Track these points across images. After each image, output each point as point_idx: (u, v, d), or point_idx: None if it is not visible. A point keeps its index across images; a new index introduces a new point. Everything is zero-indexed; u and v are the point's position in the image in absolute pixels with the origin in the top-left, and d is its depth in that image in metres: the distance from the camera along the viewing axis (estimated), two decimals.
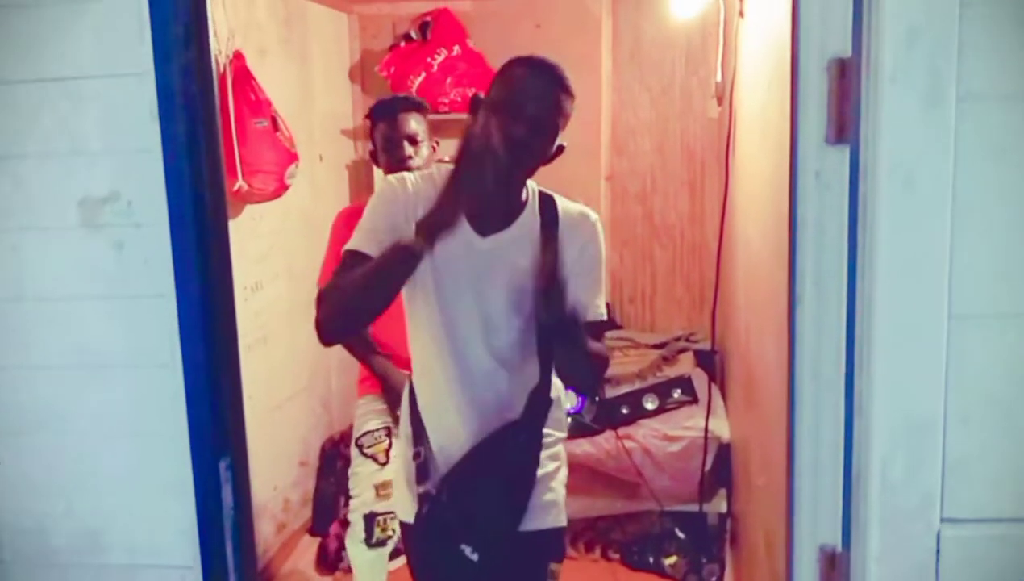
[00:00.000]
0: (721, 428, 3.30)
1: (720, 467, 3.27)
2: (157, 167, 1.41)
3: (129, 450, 1.52)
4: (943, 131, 1.20)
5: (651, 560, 3.32)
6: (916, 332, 1.21)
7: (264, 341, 2.92)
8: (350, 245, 1.66)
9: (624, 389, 3.48)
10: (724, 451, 3.28)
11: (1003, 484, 1.23)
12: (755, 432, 2.56)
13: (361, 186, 4.12)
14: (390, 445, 2.61)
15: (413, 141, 2.56)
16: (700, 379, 3.59)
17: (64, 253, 1.47)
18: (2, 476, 1.56)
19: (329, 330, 1.65)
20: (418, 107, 2.65)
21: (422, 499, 1.78)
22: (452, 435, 1.77)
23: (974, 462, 1.23)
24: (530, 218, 1.74)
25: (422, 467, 1.79)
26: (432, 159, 2.62)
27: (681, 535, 3.30)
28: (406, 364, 1.90)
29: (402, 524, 1.88)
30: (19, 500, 1.56)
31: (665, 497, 3.31)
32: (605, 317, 1.80)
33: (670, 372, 3.66)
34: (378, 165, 2.67)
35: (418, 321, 1.77)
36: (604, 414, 3.33)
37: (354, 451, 2.65)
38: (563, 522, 1.84)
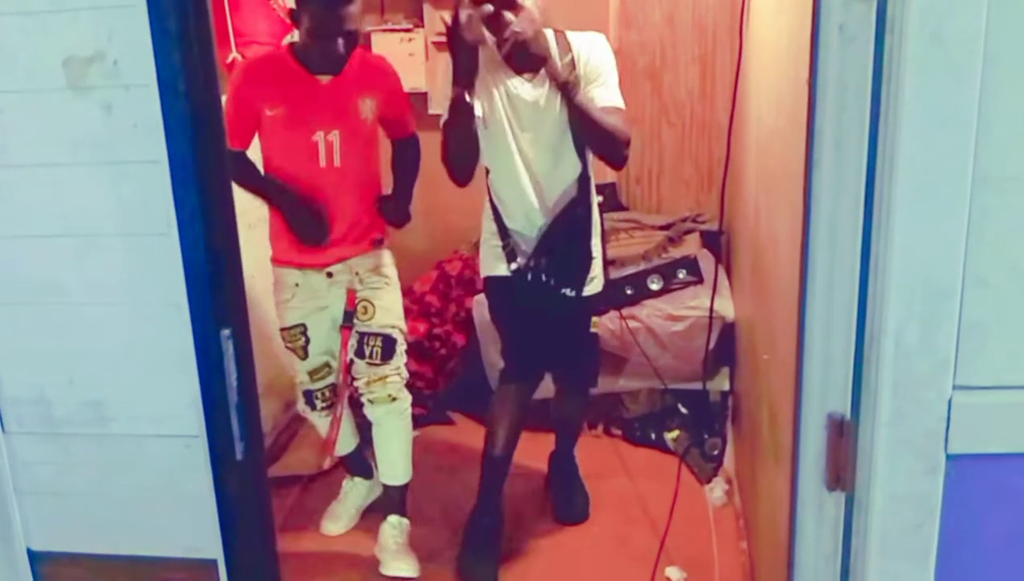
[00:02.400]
0: (726, 308, 3.29)
1: (723, 346, 3.28)
2: (143, 25, 1.34)
3: (129, 320, 1.50)
4: None
5: (653, 436, 3.37)
6: (938, 194, 1.16)
7: (265, 220, 2.86)
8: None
9: (629, 270, 3.45)
10: (728, 330, 3.28)
11: (1018, 351, 1.21)
12: (761, 310, 2.54)
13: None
14: (307, 342, 2.72)
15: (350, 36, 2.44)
16: (706, 260, 3.56)
17: (51, 117, 1.41)
18: (1, 348, 1.54)
19: (453, 177, 2.46)
20: None
21: (518, 272, 2.59)
22: (529, 221, 2.56)
23: (990, 328, 1.20)
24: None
25: (510, 253, 2.60)
26: (361, 26, 2.52)
27: (684, 410, 3.34)
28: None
29: (496, 281, 2.67)
30: (20, 372, 1.56)
31: (668, 375, 3.34)
32: (621, 105, 2.48)
33: (676, 253, 3.63)
34: (296, 26, 2.50)
35: (494, 143, 2.48)
36: (609, 294, 3.32)
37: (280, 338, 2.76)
38: (600, 289, 2.70)
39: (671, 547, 2.65)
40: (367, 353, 2.71)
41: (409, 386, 2.79)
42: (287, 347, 2.75)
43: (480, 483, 2.75)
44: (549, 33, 2.46)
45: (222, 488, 1.51)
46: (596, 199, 2.67)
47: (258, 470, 1.56)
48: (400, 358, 2.76)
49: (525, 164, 2.52)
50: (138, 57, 1.35)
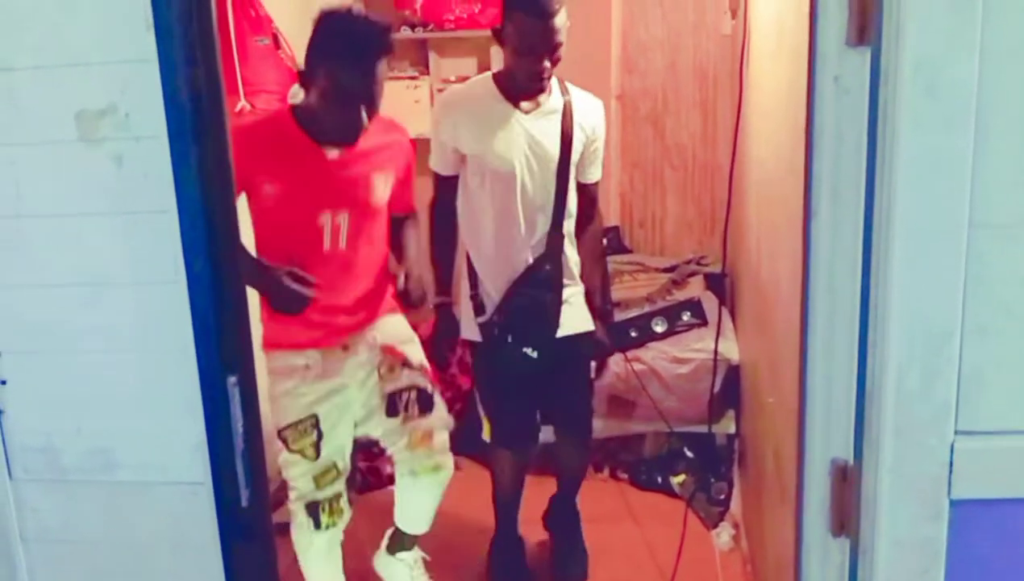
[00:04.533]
0: (730, 350, 3.30)
1: (729, 389, 3.27)
2: (154, 78, 1.37)
3: (137, 368, 1.51)
4: (968, 33, 1.14)
5: (659, 480, 3.36)
6: (935, 242, 1.18)
7: None
8: (437, 169, 2.57)
9: (633, 312, 3.47)
10: (733, 373, 3.28)
11: (1019, 395, 1.22)
12: (765, 352, 2.55)
13: None
14: (319, 437, 2.29)
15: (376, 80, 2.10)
16: (710, 302, 3.58)
17: (62, 168, 1.44)
18: (10, 396, 1.56)
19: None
20: (390, 50, 2.17)
21: (484, 327, 2.55)
22: (500, 275, 2.52)
23: (990, 373, 1.21)
24: (555, 99, 2.49)
25: (479, 305, 2.56)
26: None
27: (690, 454, 3.33)
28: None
29: (472, 343, 2.62)
30: (28, 419, 1.56)
31: (674, 418, 3.33)
32: (599, 178, 2.65)
33: (680, 295, 3.65)
34: (304, 87, 2.16)
35: (471, 195, 2.51)
36: (613, 337, 3.33)
37: (278, 441, 2.29)
38: (590, 327, 2.63)
39: None
40: (401, 407, 2.39)
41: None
42: (290, 451, 2.29)
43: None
44: (553, 82, 2.48)
45: (227, 535, 1.51)
46: (573, 252, 2.60)
47: (263, 517, 1.56)
48: (441, 408, 2.47)
49: (517, 209, 2.47)
50: (149, 109, 1.38)
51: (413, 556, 2.69)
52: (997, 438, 1.22)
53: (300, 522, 2.36)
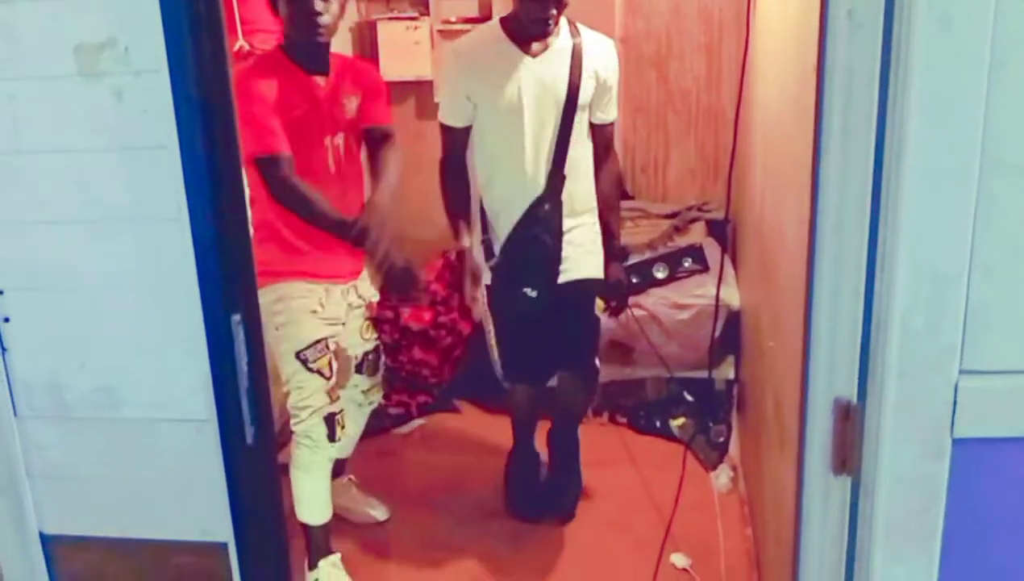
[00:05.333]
0: (731, 296, 3.30)
1: (729, 335, 3.28)
2: (154, 11, 1.34)
3: (141, 306, 1.51)
4: None
5: (658, 424, 3.38)
6: (946, 181, 1.16)
7: None
8: (449, 121, 2.58)
9: (635, 259, 3.46)
10: (733, 318, 3.29)
11: (1022, 335, 1.21)
12: (767, 299, 2.55)
13: (364, 46, 4.00)
14: (332, 357, 2.47)
15: None
16: (712, 248, 3.57)
17: (62, 103, 1.42)
18: (13, 333, 1.56)
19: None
20: None
21: (492, 269, 2.63)
22: (508, 217, 2.58)
23: (996, 313, 1.20)
24: (564, 40, 2.50)
25: (488, 248, 2.64)
26: (341, 17, 2.42)
27: (689, 398, 3.36)
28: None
29: (487, 287, 2.68)
30: (32, 357, 1.57)
31: (674, 363, 3.35)
32: (615, 118, 2.66)
33: (681, 242, 3.64)
34: (275, 10, 2.36)
35: (482, 139, 2.57)
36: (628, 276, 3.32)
37: (293, 363, 2.42)
38: (595, 274, 2.66)
39: (676, 534, 2.67)
40: (364, 368, 2.70)
41: (415, 374, 2.81)
42: (309, 370, 2.43)
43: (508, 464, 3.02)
44: (563, 23, 2.50)
45: (232, 472, 1.52)
46: (577, 186, 2.61)
47: (268, 455, 1.57)
48: (383, 360, 2.80)
49: (525, 151, 2.52)
50: (149, 44, 1.36)
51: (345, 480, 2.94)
52: (1001, 377, 1.22)
53: (314, 438, 2.48)
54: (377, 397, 2.82)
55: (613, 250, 2.72)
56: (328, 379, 2.46)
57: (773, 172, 2.45)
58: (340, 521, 2.74)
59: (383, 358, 2.81)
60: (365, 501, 2.94)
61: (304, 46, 2.38)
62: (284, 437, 3.23)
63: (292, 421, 2.50)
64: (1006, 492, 1.26)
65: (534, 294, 2.59)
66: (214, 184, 1.40)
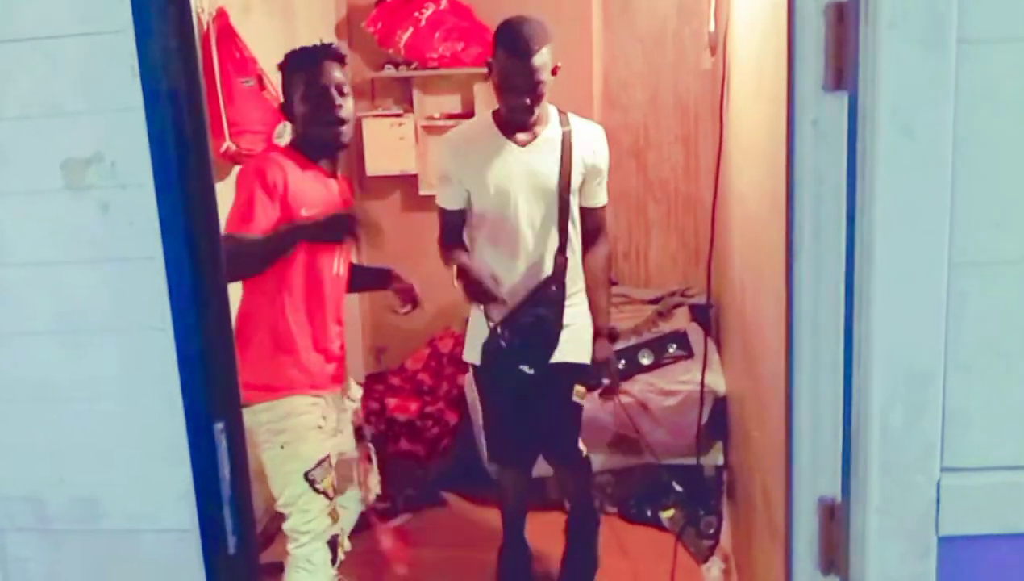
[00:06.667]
0: (717, 382, 3.31)
1: (716, 420, 3.28)
2: (140, 126, 1.37)
3: (122, 416, 1.50)
4: (943, 76, 1.17)
5: (648, 513, 3.35)
6: (916, 281, 1.19)
7: None
8: (444, 204, 2.65)
9: (620, 345, 3.47)
10: (720, 404, 3.29)
11: (1004, 432, 1.23)
12: (751, 385, 2.56)
13: (352, 144, 4.06)
14: (334, 476, 2.40)
15: (340, 91, 2.33)
16: (696, 333, 3.59)
17: (48, 216, 1.43)
18: None
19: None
20: (342, 58, 2.41)
21: (485, 346, 2.63)
22: (509, 297, 2.55)
23: (974, 410, 1.22)
24: (553, 129, 2.57)
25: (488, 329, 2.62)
26: (355, 113, 2.44)
27: (678, 488, 3.32)
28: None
29: (474, 366, 2.75)
30: (12, 469, 1.55)
31: (662, 451, 3.33)
32: (605, 202, 2.70)
33: (665, 327, 3.66)
34: (291, 120, 2.40)
35: (476, 227, 2.60)
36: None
37: (301, 484, 2.32)
38: (580, 359, 2.65)
39: None
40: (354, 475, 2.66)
41: (402, 465, 2.78)
42: (316, 491, 2.33)
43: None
44: (552, 109, 2.59)
45: None
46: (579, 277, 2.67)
47: (250, 564, 1.54)
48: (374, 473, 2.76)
49: (521, 235, 2.57)
50: (135, 157, 1.38)
51: None
52: (983, 474, 1.23)
53: (315, 562, 2.36)
54: (376, 490, 2.76)
55: (602, 330, 2.71)
56: (331, 500, 2.37)
57: (751, 263, 2.49)
58: None
59: (374, 452, 2.76)
60: None
61: (323, 146, 2.37)
62: (267, 535, 3.18)
63: (291, 544, 2.39)
64: None
65: (531, 371, 2.61)
66: (198, 293, 1.41)
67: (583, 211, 2.66)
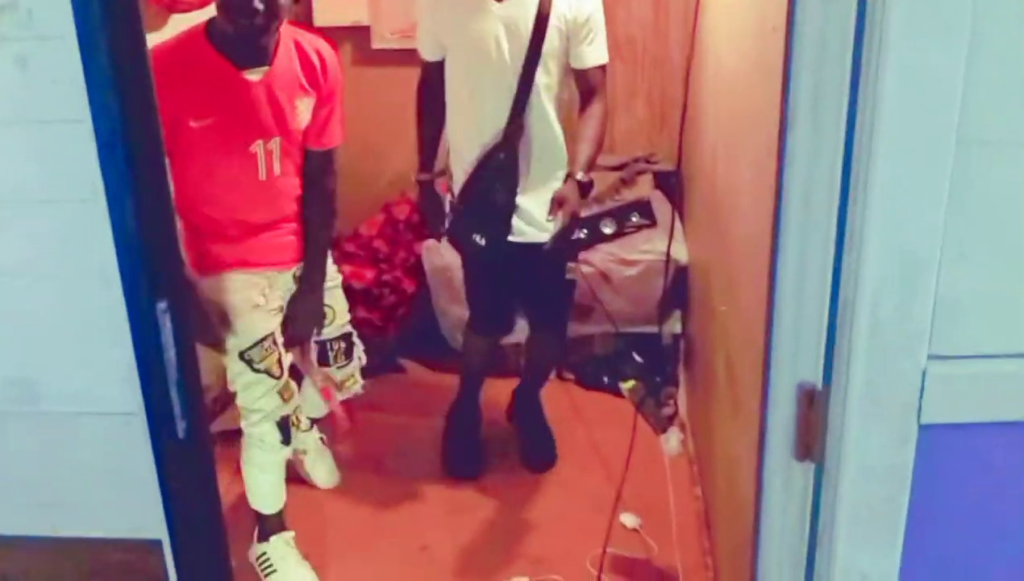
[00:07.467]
0: (679, 251, 3.25)
1: (676, 290, 3.24)
2: None
3: (58, 294, 1.38)
4: None
5: (605, 380, 3.35)
6: (919, 158, 1.10)
7: None
8: (422, 54, 2.55)
9: (583, 213, 3.38)
10: (681, 274, 3.25)
11: (995, 321, 1.17)
12: (719, 257, 2.50)
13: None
14: (281, 354, 2.30)
15: None
16: (659, 201, 3.52)
17: None
18: None
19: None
20: None
21: (451, 212, 2.61)
22: (468, 162, 2.51)
23: (967, 299, 1.16)
24: None
25: (450, 190, 2.60)
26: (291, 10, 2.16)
27: (638, 359, 3.32)
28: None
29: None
30: None
31: (621, 320, 3.31)
32: (606, 59, 2.50)
33: (628, 195, 3.57)
34: None
35: (451, 83, 2.51)
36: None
37: (238, 363, 2.24)
38: (543, 238, 2.43)
39: (626, 495, 2.65)
40: (331, 358, 2.55)
41: (359, 334, 2.69)
42: (255, 371, 2.24)
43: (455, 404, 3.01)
44: None
45: (164, 467, 1.42)
46: (549, 142, 2.54)
47: (202, 448, 1.47)
48: (358, 347, 2.64)
49: (489, 95, 2.46)
50: (54, 6, 1.22)
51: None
52: (971, 362, 1.18)
53: (268, 442, 2.33)
54: (355, 388, 2.67)
55: (572, 174, 2.46)
56: (278, 378, 2.28)
57: (727, 129, 2.38)
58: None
59: (359, 346, 2.65)
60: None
61: (232, 33, 2.04)
62: (221, 404, 3.12)
63: (242, 421, 2.34)
64: (972, 478, 1.23)
65: (482, 242, 2.53)
66: (132, 160, 1.27)
67: (576, 73, 2.50)
